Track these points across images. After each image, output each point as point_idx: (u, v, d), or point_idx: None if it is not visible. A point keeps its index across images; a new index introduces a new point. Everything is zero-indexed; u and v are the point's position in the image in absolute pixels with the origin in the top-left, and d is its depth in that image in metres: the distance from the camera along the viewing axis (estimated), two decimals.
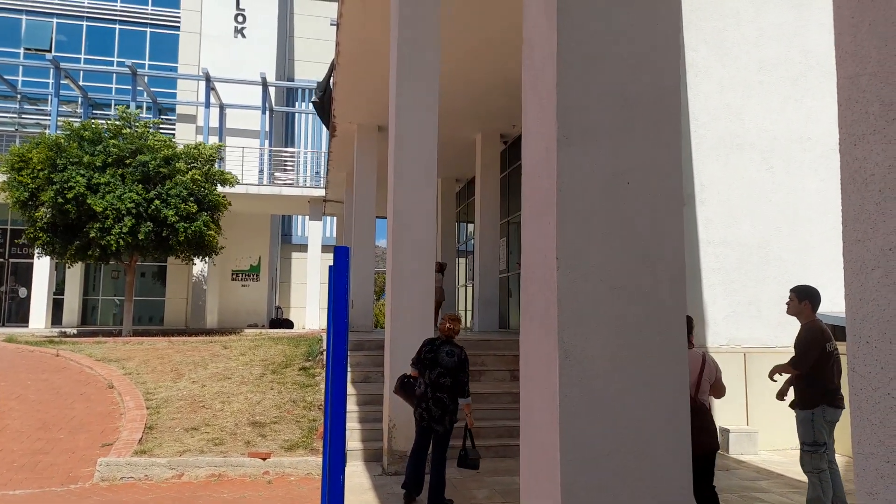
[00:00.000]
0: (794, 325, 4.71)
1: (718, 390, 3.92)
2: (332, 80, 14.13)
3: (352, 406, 7.60)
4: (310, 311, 20.06)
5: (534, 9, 2.33)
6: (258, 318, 22.82)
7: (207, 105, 21.40)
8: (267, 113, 22.33)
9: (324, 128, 25.82)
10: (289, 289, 26.39)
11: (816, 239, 7.84)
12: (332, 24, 25.09)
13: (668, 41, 2.19)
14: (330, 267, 4.17)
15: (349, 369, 8.79)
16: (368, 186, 13.59)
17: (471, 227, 17.31)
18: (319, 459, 6.28)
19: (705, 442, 3.50)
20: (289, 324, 23.26)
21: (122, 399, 7.81)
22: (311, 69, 24.95)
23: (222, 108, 22.49)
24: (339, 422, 2.82)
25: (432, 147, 6.79)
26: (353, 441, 6.59)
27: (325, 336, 10.62)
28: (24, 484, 5.62)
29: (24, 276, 20.92)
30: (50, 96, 20.77)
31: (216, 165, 15.87)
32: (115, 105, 22.60)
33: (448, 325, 5.31)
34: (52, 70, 20.29)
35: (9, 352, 10.30)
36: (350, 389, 8.04)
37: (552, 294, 2.04)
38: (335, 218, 24.52)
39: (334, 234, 25.12)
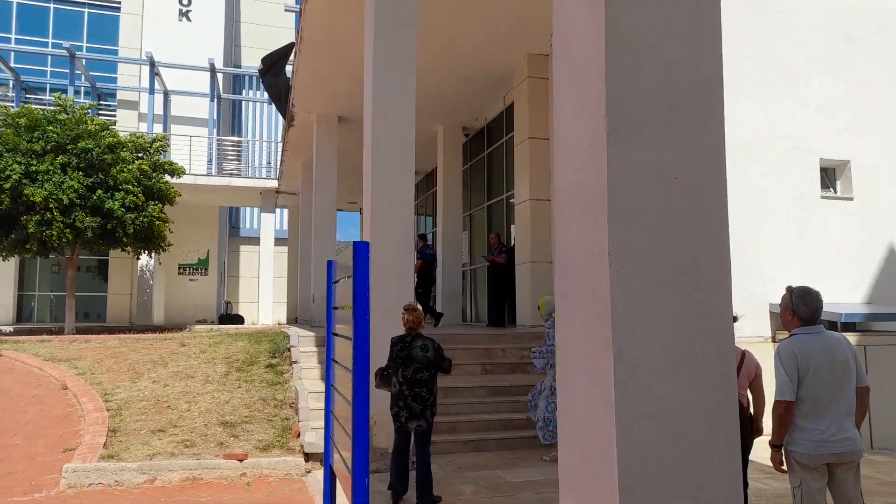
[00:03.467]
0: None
1: (758, 392, 3.94)
2: (290, 68, 13.76)
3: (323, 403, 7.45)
4: (262, 305, 19.58)
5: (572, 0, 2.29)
6: (207, 314, 22.13)
7: (152, 91, 20.52)
8: (215, 100, 21.58)
9: (274, 117, 25.18)
10: (237, 283, 25.68)
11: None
12: (286, 10, 24.51)
13: (713, 35, 2.20)
14: (331, 262, 4.05)
15: (319, 366, 8.62)
16: (329, 178, 13.33)
17: (430, 219, 17.25)
18: (298, 459, 6.13)
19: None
20: (239, 319, 22.66)
21: (78, 401, 7.41)
22: (258, 55, 24.24)
23: (167, 94, 21.61)
24: (362, 423, 2.74)
25: (410, 139, 6.69)
26: None
27: (287, 331, 10.37)
28: None
29: None
30: None
31: (162, 156, 15.23)
32: (51, 90, 21.40)
33: (409, 317, 5.16)
34: None
35: None
36: (322, 387, 7.88)
37: (604, 292, 2.01)
38: (286, 210, 23.98)
39: (285, 227, 24.55)
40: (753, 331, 7.90)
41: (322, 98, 12.42)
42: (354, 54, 9.81)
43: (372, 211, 6.52)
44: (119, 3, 22.15)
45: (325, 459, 3.89)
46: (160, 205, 14.49)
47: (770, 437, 3.33)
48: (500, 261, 11.10)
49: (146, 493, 5.45)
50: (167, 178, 15.04)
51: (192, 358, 9.10)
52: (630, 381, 2.00)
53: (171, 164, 15.12)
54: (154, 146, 14.71)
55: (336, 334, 3.78)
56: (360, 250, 2.84)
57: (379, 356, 5.55)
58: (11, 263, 19.10)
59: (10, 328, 16.73)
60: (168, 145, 15.53)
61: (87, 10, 22.07)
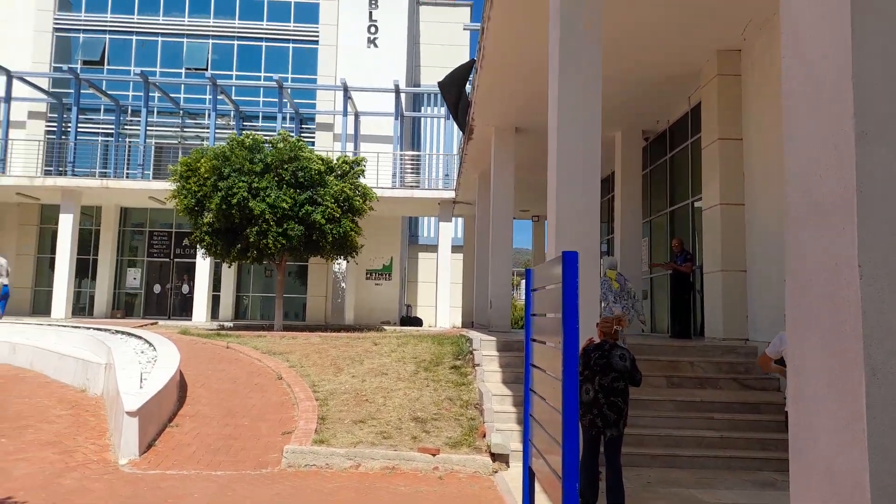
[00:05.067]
0: None
1: None
2: (470, 83, 14.34)
3: (507, 407, 7.64)
4: (440, 309, 20.46)
5: None
6: (390, 316, 23.66)
7: (345, 114, 22.48)
8: (399, 119, 23.08)
9: (449, 131, 26.32)
10: (416, 287, 27.15)
11: None
12: (465, 29, 25.49)
13: None
14: (530, 270, 4.19)
15: (500, 370, 8.86)
16: (506, 188, 13.63)
17: (605, 226, 16.86)
18: (486, 459, 6.36)
19: None
20: (418, 321, 23.93)
21: (291, 390, 8.36)
22: (436, 74, 25.49)
23: (357, 115, 23.53)
24: (572, 428, 2.81)
25: (596, 147, 6.67)
26: (514, 442, 6.61)
27: (469, 335, 10.75)
28: (222, 466, 6.16)
29: (187, 274, 23.11)
30: (207, 111, 22.77)
31: (360, 179, 16.72)
32: (263, 117, 24.38)
33: (616, 327, 5.22)
34: (209, 86, 22.23)
35: (185, 343, 11.34)
36: (504, 390, 8.10)
37: (853, 305, 1.88)
38: (462, 219, 24.88)
39: (461, 235, 25.49)
40: None
41: (500, 111, 12.76)
42: (535, 67, 10.00)
43: (557, 220, 6.58)
44: (317, 37, 24.62)
45: (524, 461, 4.01)
46: (353, 217, 15.87)
47: None
48: (683, 270, 10.55)
49: (352, 477, 6.01)
50: (361, 201, 16.47)
51: (383, 356, 9.82)
52: (886, 403, 1.86)
53: (366, 189, 16.54)
54: (355, 170, 16.23)
55: (535, 340, 3.90)
56: (570, 260, 2.93)
57: None
58: (232, 269, 22.05)
59: (231, 324, 19.30)
60: (365, 169, 17.00)
61: (291, 45, 24.82)
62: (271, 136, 15.94)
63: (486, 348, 9.21)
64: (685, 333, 10.50)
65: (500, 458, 6.48)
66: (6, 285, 15.31)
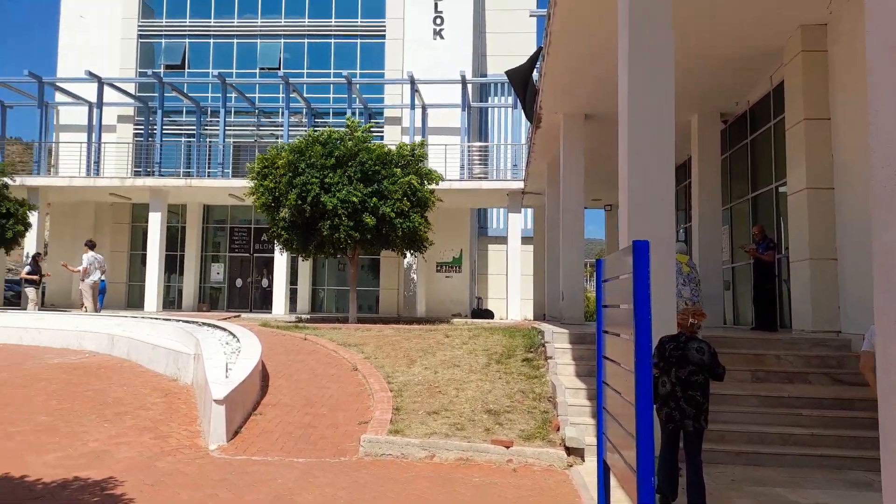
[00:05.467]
0: None
1: None
2: (536, 71, 14.16)
3: (581, 400, 7.56)
4: (511, 301, 20.41)
5: None
6: (461, 308, 23.81)
7: (412, 107, 22.70)
8: (466, 110, 23.09)
9: (517, 121, 26.09)
10: (486, 280, 27.17)
11: None
12: (531, 16, 25.15)
13: None
14: (601, 261, 4.13)
15: (573, 363, 8.76)
16: (576, 176, 13.38)
17: (682, 214, 16.30)
18: (560, 452, 6.32)
19: None
20: (489, 314, 23.96)
21: (366, 381, 8.57)
22: (502, 63, 25.36)
23: (424, 108, 23.70)
24: (646, 421, 2.76)
25: (669, 133, 6.46)
26: (589, 436, 6.53)
27: (540, 327, 10.68)
28: (303, 453, 6.41)
29: (266, 268, 24.07)
30: (281, 109, 23.53)
31: (423, 164, 16.82)
32: (333, 114, 24.97)
33: (692, 320, 5.05)
34: (281, 85, 22.93)
35: (266, 335, 11.81)
36: (577, 383, 8.00)
37: None
38: (531, 210, 24.68)
39: (530, 226, 25.27)
40: None
41: (569, 98, 12.52)
42: (604, 51, 9.74)
43: (629, 209, 6.42)
44: (384, 32, 24.95)
45: (598, 455, 3.97)
46: (420, 211, 16.04)
47: None
48: (766, 259, 10.05)
49: (427, 467, 6.11)
50: (427, 185, 16.58)
51: (455, 348, 9.90)
52: None
53: (431, 171, 16.63)
54: (416, 154, 16.31)
55: (607, 332, 3.84)
56: (640, 249, 2.86)
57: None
58: (308, 263, 22.78)
59: (308, 316, 19.97)
60: (427, 153, 17.10)
61: (359, 41, 25.27)
62: (341, 131, 16.29)
63: (558, 341, 9.12)
64: (769, 325, 10.02)
65: (575, 451, 6.42)
66: (104, 281, 16.46)
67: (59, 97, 24.82)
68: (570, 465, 6.22)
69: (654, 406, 5.04)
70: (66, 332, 12.58)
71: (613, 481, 3.70)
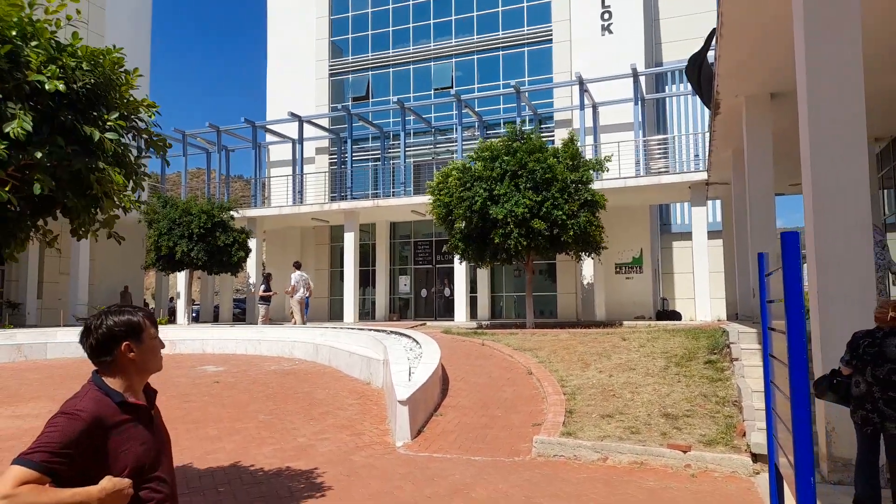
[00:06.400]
0: None
1: None
2: (711, 55, 13.26)
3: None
4: (699, 301, 19.14)
5: None
6: (644, 310, 22.82)
7: (582, 108, 22.40)
8: (639, 103, 22.22)
9: (700, 107, 24.44)
10: (672, 279, 25.70)
11: None
12: None
13: None
14: (763, 254, 3.90)
15: (760, 364, 8.08)
16: (763, 162, 12.28)
17: (892, 193, 14.14)
18: (745, 459, 5.92)
19: None
20: (676, 315, 22.64)
21: (540, 385, 8.71)
22: (680, 48, 24.01)
23: (595, 107, 23.25)
24: (802, 419, 2.60)
25: (859, 108, 5.77)
26: None
27: (727, 328, 9.99)
28: (479, 452, 6.74)
29: (447, 278, 25.28)
30: (455, 126, 24.60)
31: (595, 175, 16.68)
32: (503, 123, 25.53)
33: (892, 313, 4.47)
34: (454, 103, 24.00)
35: (446, 341, 12.49)
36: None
37: None
38: (718, 201, 22.94)
39: (718, 219, 23.47)
40: None
41: (749, 78, 11.56)
42: (783, 23, 8.90)
43: (814, 195, 5.84)
44: (551, 35, 24.98)
45: (769, 459, 3.73)
46: (591, 212, 15.84)
47: None
48: None
49: (599, 469, 6.09)
50: (594, 175, 16.39)
51: (632, 352, 9.65)
52: None
53: (598, 161, 16.53)
54: (596, 168, 16.32)
55: (773, 329, 3.60)
56: (790, 241, 2.71)
57: (832, 358, 4.97)
58: (486, 271, 23.49)
59: (488, 322, 20.58)
60: (606, 168, 16.96)
61: (526, 48, 25.58)
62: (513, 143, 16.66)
63: (745, 341, 8.50)
64: None
65: (762, 458, 5.95)
66: (308, 296, 18.57)
67: (269, 137, 28.55)
68: (758, 473, 5.79)
69: (849, 409, 4.56)
70: (280, 343, 14.44)
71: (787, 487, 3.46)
